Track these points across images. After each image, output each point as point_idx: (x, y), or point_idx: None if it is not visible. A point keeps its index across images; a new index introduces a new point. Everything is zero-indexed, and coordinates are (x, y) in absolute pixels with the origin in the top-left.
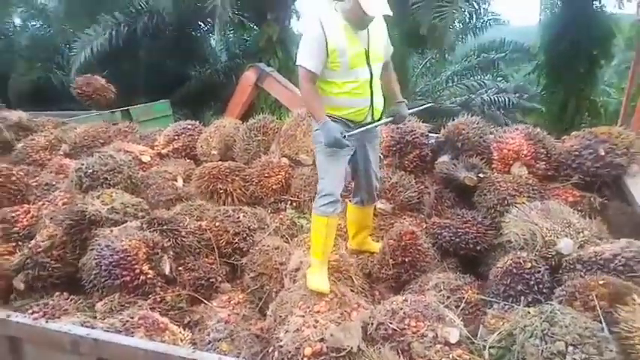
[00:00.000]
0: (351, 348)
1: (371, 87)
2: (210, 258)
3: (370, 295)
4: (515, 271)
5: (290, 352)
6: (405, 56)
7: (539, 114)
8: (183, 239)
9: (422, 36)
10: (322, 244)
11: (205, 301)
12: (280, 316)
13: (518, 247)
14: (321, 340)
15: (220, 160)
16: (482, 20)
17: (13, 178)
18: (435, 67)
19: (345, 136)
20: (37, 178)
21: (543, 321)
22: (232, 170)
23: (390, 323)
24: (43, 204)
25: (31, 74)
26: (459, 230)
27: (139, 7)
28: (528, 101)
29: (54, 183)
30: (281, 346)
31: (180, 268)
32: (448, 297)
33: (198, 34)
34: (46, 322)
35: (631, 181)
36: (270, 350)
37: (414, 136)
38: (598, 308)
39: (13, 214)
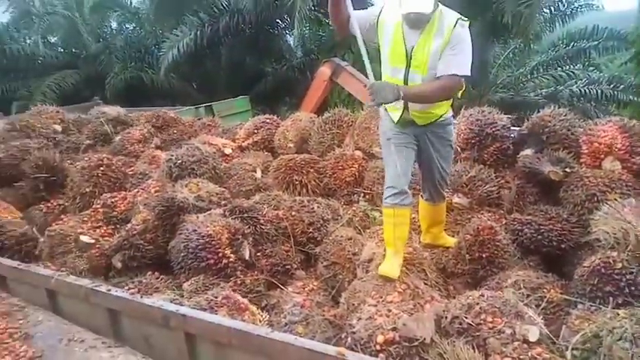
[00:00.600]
0: (424, 339)
1: None
2: (286, 246)
3: (444, 289)
4: (603, 271)
5: (363, 338)
6: (485, 46)
7: (636, 107)
8: (262, 227)
9: (505, 24)
10: (392, 236)
11: (281, 286)
12: (353, 304)
13: (608, 246)
14: (394, 329)
15: (296, 152)
16: (572, 6)
17: (113, 167)
18: (519, 57)
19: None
20: (133, 167)
21: (635, 324)
22: (307, 162)
23: (466, 317)
24: (138, 191)
25: (124, 74)
26: (541, 227)
27: (222, 7)
28: (624, 93)
29: (147, 172)
30: (354, 333)
31: (258, 254)
32: (528, 295)
33: (276, 32)
34: (141, 297)
35: None
36: (343, 336)
37: (494, 129)
38: None
39: (113, 200)
